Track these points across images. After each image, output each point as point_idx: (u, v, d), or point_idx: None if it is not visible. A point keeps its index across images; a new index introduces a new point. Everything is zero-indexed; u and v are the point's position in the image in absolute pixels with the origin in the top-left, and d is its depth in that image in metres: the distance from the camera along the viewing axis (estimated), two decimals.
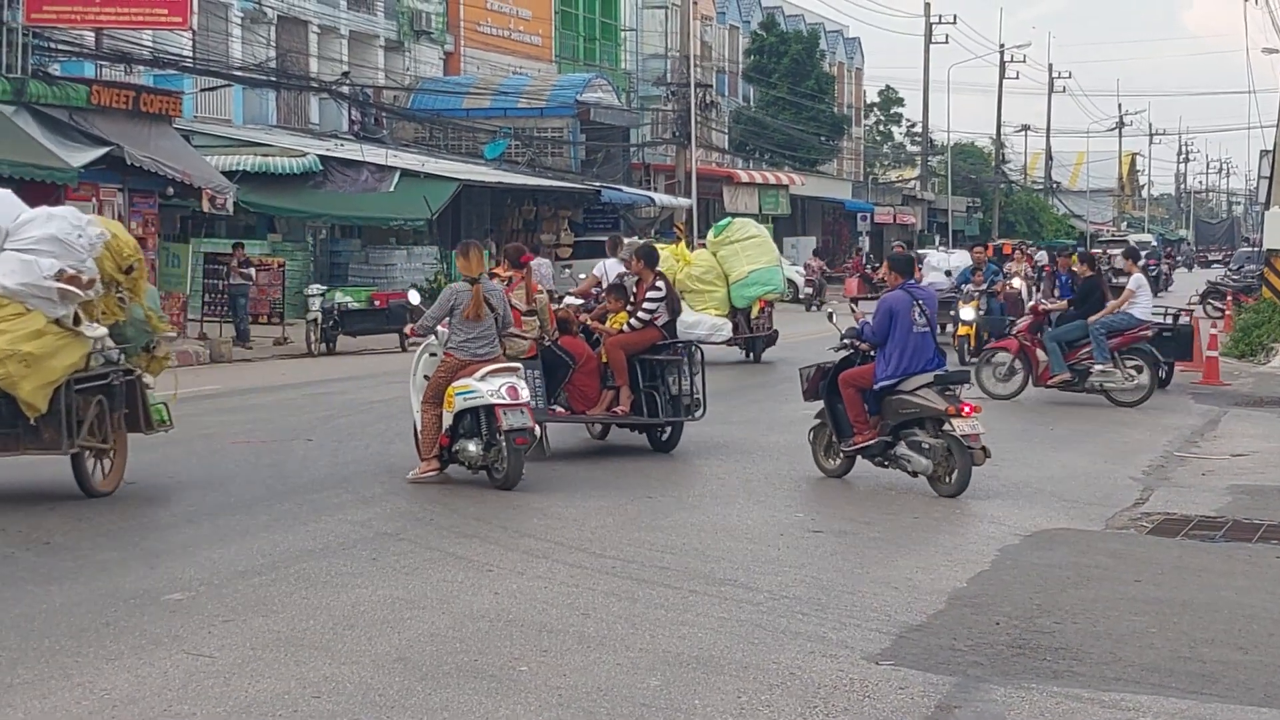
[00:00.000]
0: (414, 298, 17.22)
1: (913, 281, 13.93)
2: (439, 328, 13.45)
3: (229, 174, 32.92)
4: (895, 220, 77.57)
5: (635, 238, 32.25)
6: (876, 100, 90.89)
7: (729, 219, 26.35)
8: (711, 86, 58.26)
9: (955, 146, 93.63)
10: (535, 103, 48.54)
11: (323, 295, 29.27)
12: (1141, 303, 20.85)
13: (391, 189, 37.26)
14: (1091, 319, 20.26)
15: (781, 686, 7.37)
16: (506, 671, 7.54)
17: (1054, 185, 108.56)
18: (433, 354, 13.69)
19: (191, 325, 30.06)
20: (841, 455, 13.72)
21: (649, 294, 15.74)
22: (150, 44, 34.01)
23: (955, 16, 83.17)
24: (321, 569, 9.71)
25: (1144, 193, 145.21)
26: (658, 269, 16.13)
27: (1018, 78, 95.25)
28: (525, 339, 14.48)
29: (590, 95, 49.63)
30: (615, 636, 8.18)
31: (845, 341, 13.84)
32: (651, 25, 63.66)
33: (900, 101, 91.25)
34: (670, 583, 9.41)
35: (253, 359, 27.88)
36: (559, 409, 15.13)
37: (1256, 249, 44.33)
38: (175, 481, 13.28)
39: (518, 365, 13.48)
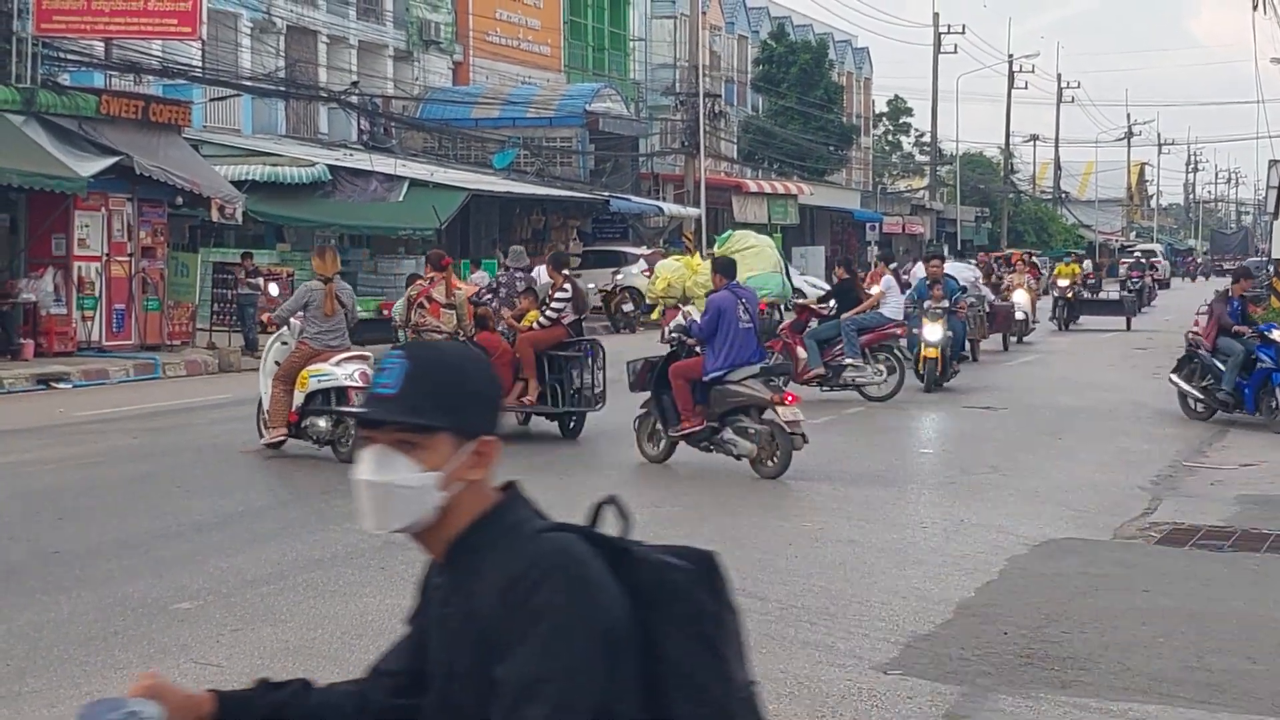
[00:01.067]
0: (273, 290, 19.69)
1: (735, 283, 15.19)
2: (293, 320, 15.45)
3: (238, 183, 32.96)
4: (904, 230, 77.59)
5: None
6: (885, 110, 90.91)
7: (730, 231, 28.42)
8: (720, 96, 58.24)
9: (964, 156, 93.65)
10: (544, 112, 48.59)
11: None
12: (891, 303, 22.21)
13: (400, 198, 37.29)
14: (844, 317, 21.53)
15: (790, 696, 7.37)
16: None
17: (1063, 195, 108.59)
18: (284, 343, 15.63)
19: (200, 334, 30.11)
20: (665, 440, 14.88)
21: (557, 295, 17.40)
22: (159, 54, 34.05)
23: (964, 27, 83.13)
24: (330, 578, 9.72)
25: (1153, 202, 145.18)
26: (565, 273, 17.72)
27: (1026, 88, 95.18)
28: (442, 330, 16.42)
29: (599, 105, 49.67)
30: None
31: (673, 336, 15.09)
32: (660, 35, 63.71)
33: (909, 111, 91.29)
34: None
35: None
36: None
37: (1265, 259, 44.59)
38: (183, 490, 13.30)
39: (368, 354, 15.16)
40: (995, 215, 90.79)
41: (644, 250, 45.11)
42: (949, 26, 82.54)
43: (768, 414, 14.17)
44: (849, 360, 21.09)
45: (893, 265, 29.71)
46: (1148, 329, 39.34)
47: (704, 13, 57.56)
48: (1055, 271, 42.69)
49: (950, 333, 23.37)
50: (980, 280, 30.24)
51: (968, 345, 26.79)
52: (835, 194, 72.10)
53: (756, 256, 27.87)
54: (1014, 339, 33.55)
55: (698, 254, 31.56)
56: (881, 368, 21.33)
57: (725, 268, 15.31)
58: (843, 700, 7.31)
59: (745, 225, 58.91)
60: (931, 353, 22.72)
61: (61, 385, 23.73)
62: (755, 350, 14.74)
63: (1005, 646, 8.29)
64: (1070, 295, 40.38)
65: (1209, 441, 17.87)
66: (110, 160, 27.30)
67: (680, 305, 22.09)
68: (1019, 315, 33.70)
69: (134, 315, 28.32)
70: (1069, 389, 24.13)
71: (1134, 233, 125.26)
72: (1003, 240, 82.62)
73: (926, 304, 23.40)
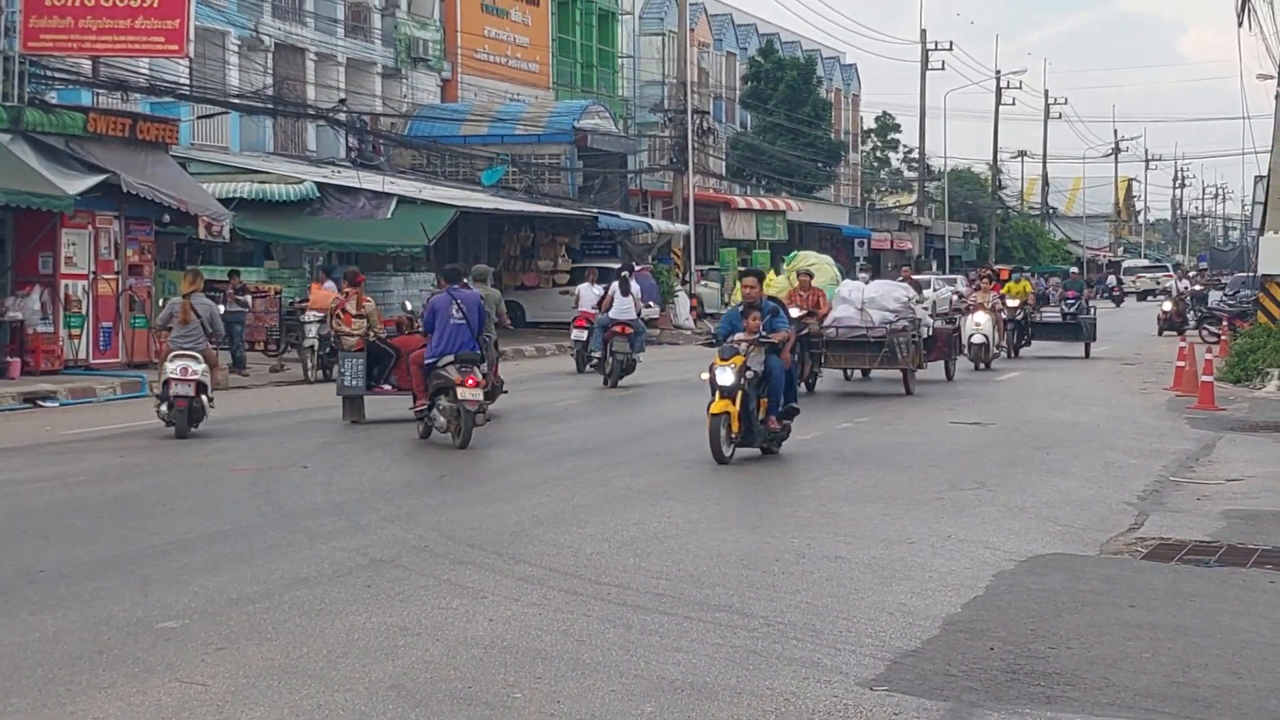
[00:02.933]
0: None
1: (457, 287, 18.38)
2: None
3: (226, 201, 32.97)
4: (892, 246, 77.74)
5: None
6: (873, 126, 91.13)
7: (796, 252, 33.54)
8: (708, 113, 58.36)
9: (952, 172, 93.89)
10: (532, 129, 48.64)
11: (319, 323, 29.27)
12: (618, 306, 27.84)
13: (388, 216, 37.30)
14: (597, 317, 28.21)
15: (776, 712, 7.36)
16: (501, 699, 7.54)
17: (1050, 211, 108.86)
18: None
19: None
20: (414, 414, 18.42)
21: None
22: (147, 72, 34.07)
23: (951, 43, 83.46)
24: (316, 596, 9.70)
25: (1140, 218, 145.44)
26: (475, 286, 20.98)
27: (1014, 104, 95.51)
28: (353, 335, 21.51)
29: (587, 122, 49.73)
30: (610, 663, 8.17)
31: (419, 329, 19.25)
32: (649, 52, 63.81)
33: (897, 127, 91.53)
34: (664, 609, 9.41)
35: (249, 386, 27.86)
36: (386, 386, 20.83)
37: (1252, 274, 44.16)
38: (169, 508, 13.28)
39: (196, 354, 19.27)
40: (983, 231, 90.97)
41: (637, 267, 45.12)
42: (936, 43, 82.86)
43: (457, 394, 17.35)
44: (595, 354, 28.31)
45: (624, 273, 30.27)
46: (1111, 355, 36.07)
47: (692, 30, 57.69)
48: (1004, 289, 35.99)
49: (759, 374, 16.71)
50: (913, 300, 26.29)
51: (809, 385, 24.42)
52: (824, 210, 72.22)
53: (817, 272, 31.85)
54: (977, 365, 30.87)
55: (772, 270, 35.54)
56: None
57: (450, 275, 18.94)
58: (828, 717, 7.31)
59: (734, 242, 59.20)
60: (721, 406, 16.18)
61: (48, 404, 23.69)
62: (465, 342, 17.78)
63: (991, 662, 8.29)
64: (1020, 317, 35.85)
65: (1196, 457, 17.89)
66: (97, 178, 27.30)
67: None
68: (977, 339, 30.74)
69: (121, 333, 28.31)
70: (1056, 404, 24.15)
71: (1121, 248, 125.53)
72: (991, 256, 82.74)
73: (732, 338, 16.90)
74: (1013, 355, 34.87)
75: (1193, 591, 10.35)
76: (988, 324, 31.12)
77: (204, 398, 19.30)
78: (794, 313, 21.72)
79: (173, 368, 19.14)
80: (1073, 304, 39.79)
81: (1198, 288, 60.23)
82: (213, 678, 7.82)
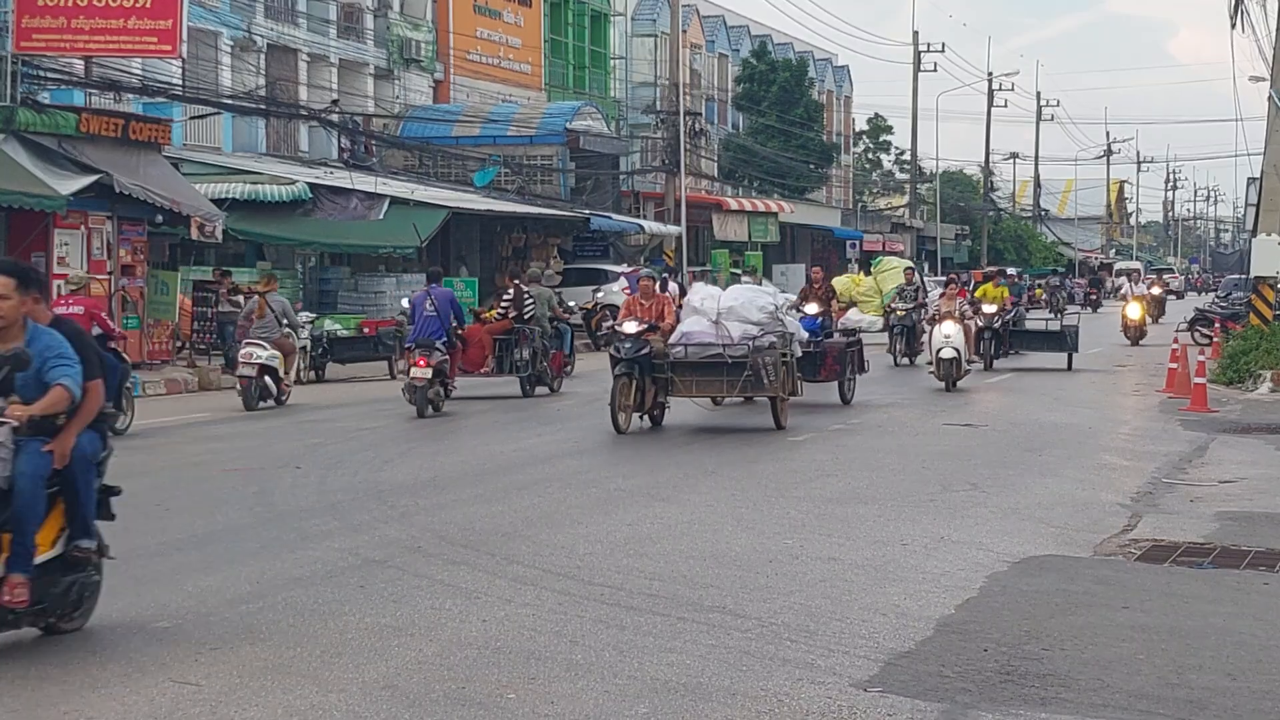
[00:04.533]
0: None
1: (435, 286, 22.98)
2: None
3: (218, 202, 32.95)
4: (884, 248, 77.69)
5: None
6: (865, 128, 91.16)
7: (880, 258, 37.68)
8: (700, 114, 58.36)
9: (944, 174, 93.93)
10: (525, 131, 48.62)
11: (312, 323, 29.28)
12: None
13: (381, 217, 37.28)
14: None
15: (770, 714, 7.36)
16: (494, 699, 7.53)
17: (1042, 213, 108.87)
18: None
19: (180, 353, 30.05)
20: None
21: (503, 299, 26.48)
22: (139, 72, 34.04)
23: (943, 45, 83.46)
24: (309, 597, 9.70)
25: (1132, 220, 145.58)
26: (519, 283, 26.14)
27: (1006, 106, 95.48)
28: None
29: (579, 123, 49.71)
30: (603, 664, 8.17)
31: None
32: (641, 53, 63.80)
33: (889, 129, 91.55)
34: (658, 610, 9.41)
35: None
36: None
37: (1244, 276, 43.90)
38: (163, 509, 13.26)
39: (265, 343, 22.91)
40: (975, 233, 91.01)
41: (624, 268, 45.15)
42: (929, 45, 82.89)
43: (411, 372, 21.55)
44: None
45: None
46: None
47: (684, 31, 57.72)
48: (978, 293, 33.20)
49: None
50: (783, 309, 20.63)
51: (655, 419, 20.11)
52: (816, 212, 72.23)
53: (894, 274, 37.77)
54: (948, 385, 26.01)
55: (861, 272, 41.26)
56: None
57: (436, 277, 24.03)
58: (822, 718, 7.31)
59: (726, 243, 59.20)
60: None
61: None
62: (433, 331, 21.99)
63: (985, 663, 8.29)
64: (997, 325, 31.87)
65: (1189, 459, 17.90)
66: (90, 178, 27.28)
67: (848, 306, 32.58)
68: (946, 353, 25.87)
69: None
70: (1049, 406, 24.15)
71: (1114, 250, 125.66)
72: (983, 258, 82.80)
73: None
74: (988, 367, 31.02)
75: (1186, 593, 10.35)
76: (958, 336, 26.06)
77: (267, 379, 22.87)
78: (630, 326, 19.58)
79: (242, 354, 22.94)
80: (1009, 312, 33.93)
81: (1156, 291, 57.43)
82: (206, 677, 7.81)
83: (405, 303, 25.28)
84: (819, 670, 8.10)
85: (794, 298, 25.15)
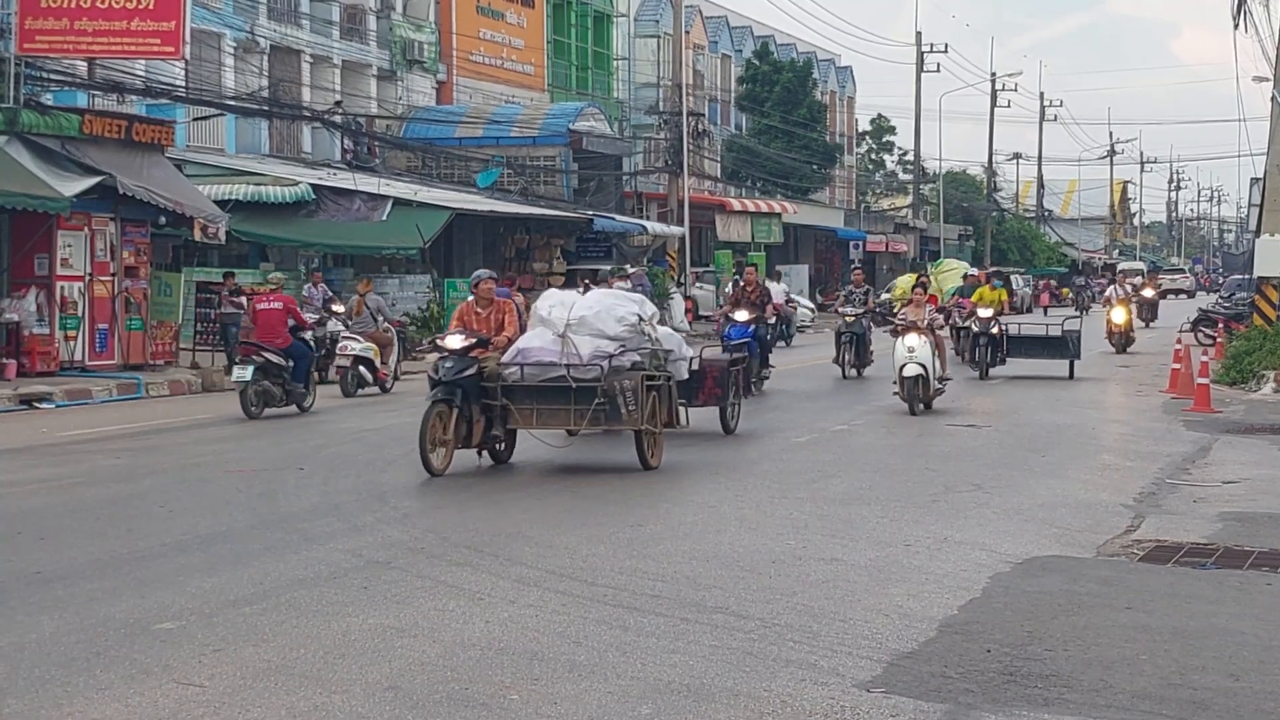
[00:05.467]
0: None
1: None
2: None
3: (221, 203, 32.97)
4: (888, 248, 77.74)
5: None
6: (868, 129, 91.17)
7: (940, 259, 39.42)
8: (704, 115, 58.36)
9: (947, 175, 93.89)
10: (528, 131, 48.62)
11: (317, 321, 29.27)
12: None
13: (384, 218, 37.30)
14: None
15: (773, 714, 7.36)
16: (497, 700, 7.53)
17: (1046, 213, 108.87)
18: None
19: (183, 355, 30.07)
20: None
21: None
22: (143, 73, 34.05)
23: (946, 46, 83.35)
24: (312, 598, 9.70)
25: (1135, 220, 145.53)
26: (589, 283, 26.92)
27: (1009, 106, 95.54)
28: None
29: (583, 124, 49.71)
30: (606, 665, 8.17)
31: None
32: (644, 54, 63.81)
33: (892, 130, 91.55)
34: (661, 611, 9.41)
35: None
36: None
37: (1247, 277, 43.67)
38: (166, 510, 13.27)
39: (359, 337, 25.70)
40: (979, 233, 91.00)
41: (630, 270, 45.13)
42: (932, 46, 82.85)
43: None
44: None
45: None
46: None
47: (687, 32, 57.71)
48: (973, 297, 31.71)
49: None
50: (651, 320, 16.65)
51: (495, 455, 16.61)
52: (819, 213, 72.22)
53: (953, 275, 40.48)
54: (913, 407, 22.20)
55: (928, 276, 41.44)
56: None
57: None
58: (825, 718, 7.31)
59: (728, 244, 59.21)
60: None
61: (44, 405, 23.69)
62: None
63: (988, 664, 8.29)
64: (994, 330, 29.99)
65: (1192, 459, 17.90)
66: (93, 180, 27.29)
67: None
68: (910, 371, 22.15)
69: (117, 335, 28.29)
70: (1052, 406, 24.15)
71: (1117, 250, 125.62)
72: (986, 258, 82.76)
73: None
74: (983, 375, 29.34)
75: (1189, 593, 10.35)
76: (924, 350, 22.23)
77: (362, 368, 25.31)
78: (454, 341, 15.95)
79: (339, 347, 25.55)
80: (967, 316, 32.16)
81: (1149, 293, 55.87)
82: (210, 679, 7.82)
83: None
84: (822, 671, 8.10)
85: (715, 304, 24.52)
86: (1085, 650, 8.62)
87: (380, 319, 26.91)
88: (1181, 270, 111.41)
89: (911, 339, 22.20)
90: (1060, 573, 10.93)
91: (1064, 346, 30.10)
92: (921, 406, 22.25)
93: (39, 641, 8.56)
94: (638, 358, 16.01)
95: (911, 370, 22.06)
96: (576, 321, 15.80)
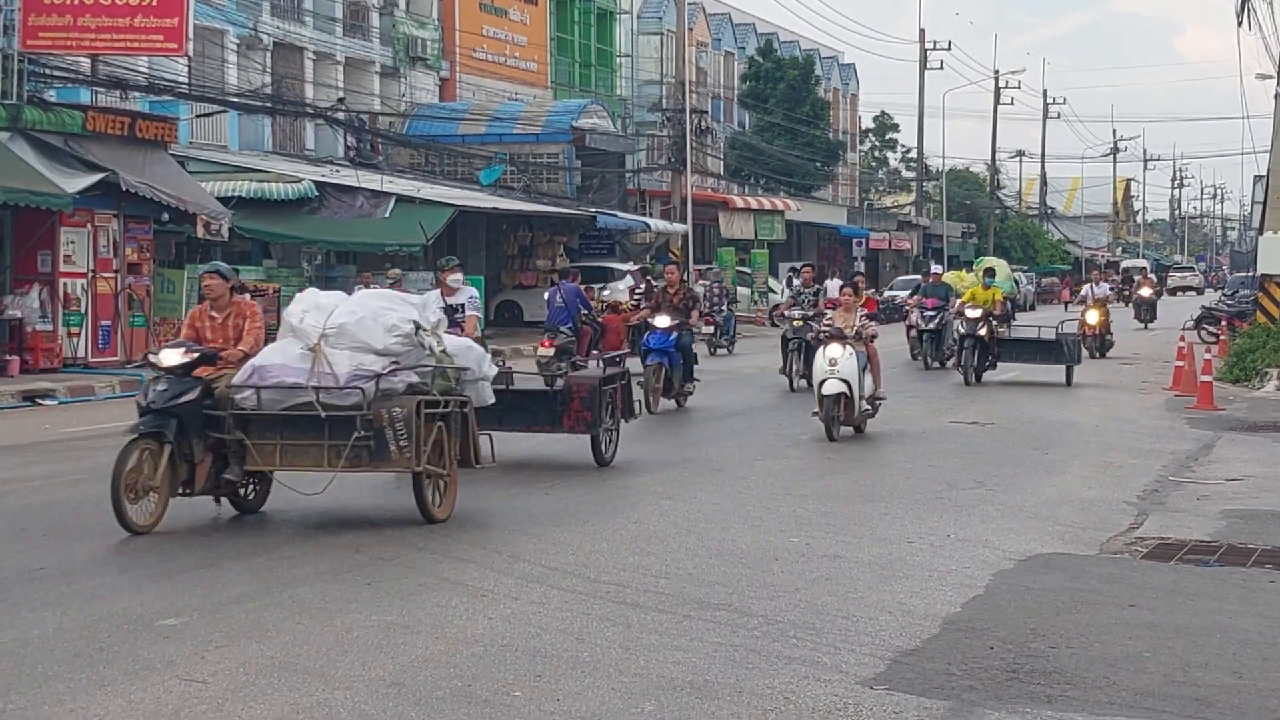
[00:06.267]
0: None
1: (567, 281, 26.01)
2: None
3: (224, 200, 32.96)
4: (891, 246, 77.70)
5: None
6: (871, 126, 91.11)
7: (981, 257, 40.45)
8: (707, 112, 58.33)
9: (950, 172, 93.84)
10: (531, 128, 48.61)
11: None
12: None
13: (387, 215, 37.28)
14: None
15: (776, 711, 7.36)
16: (500, 697, 7.53)
17: (1049, 211, 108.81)
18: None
19: None
20: None
21: (636, 292, 28.94)
22: (146, 70, 34.05)
23: (950, 43, 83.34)
24: (316, 594, 9.70)
25: (1139, 218, 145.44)
26: (650, 278, 29.51)
27: (1012, 104, 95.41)
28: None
29: (586, 121, 49.69)
30: (609, 661, 8.17)
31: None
32: (647, 51, 63.79)
33: (895, 127, 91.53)
34: (664, 607, 9.41)
35: None
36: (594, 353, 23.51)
37: (1250, 274, 43.61)
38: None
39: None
40: (981, 231, 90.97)
41: (630, 266, 45.15)
42: (935, 43, 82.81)
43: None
44: None
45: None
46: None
47: (690, 29, 57.68)
48: (964, 296, 29.29)
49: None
50: (436, 329, 13.13)
51: (235, 500, 13.15)
52: (822, 210, 72.17)
53: (996, 271, 42.54)
54: (832, 432, 18.52)
55: (964, 269, 42.14)
56: None
57: (565, 274, 27.20)
58: (828, 716, 7.31)
59: (731, 241, 59.19)
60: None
61: (47, 402, 23.69)
62: (561, 319, 25.08)
63: (991, 661, 8.29)
64: (982, 331, 27.45)
65: (1195, 456, 17.89)
66: (96, 177, 27.30)
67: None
68: (830, 388, 18.48)
69: (120, 332, 28.30)
70: (1055, 404, 24.14)
71: (1120, 248, 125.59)
72: (989, 255, 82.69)
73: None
74: (976, 380, 27.30)
75: (1193, 591, 10.35)
76: (849, 363, 18.60)
77: None
78: (170, 357, 12.44)
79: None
80: (933, 316, 30.91)
81: (1146, 292, 53.56)
82: (213, 675, 7.82)
83: (546, 295, 28.85)
84: (825, 668, 8.10)
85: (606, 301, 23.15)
86: (1088, 647, 8.61)
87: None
88: (1191, 268, 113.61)
89: (834, 350, 18.69)
90: (1063, 570, 10.93)
91: (1059, 350, 28.05)
92: (851, 430, 18.98)
93: (42, 638, 8.56)
94: (415, 378, 12.38)
95: (832, 387, 18.45)
96: (335, 331, 12.20)
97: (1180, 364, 26.78)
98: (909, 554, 11.40)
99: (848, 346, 18.76)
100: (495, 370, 14.16)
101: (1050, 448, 18.42)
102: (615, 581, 10.14)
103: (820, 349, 19.27)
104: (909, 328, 34.15)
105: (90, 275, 27.79)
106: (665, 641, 8.59)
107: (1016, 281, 55.71)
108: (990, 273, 30.36)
